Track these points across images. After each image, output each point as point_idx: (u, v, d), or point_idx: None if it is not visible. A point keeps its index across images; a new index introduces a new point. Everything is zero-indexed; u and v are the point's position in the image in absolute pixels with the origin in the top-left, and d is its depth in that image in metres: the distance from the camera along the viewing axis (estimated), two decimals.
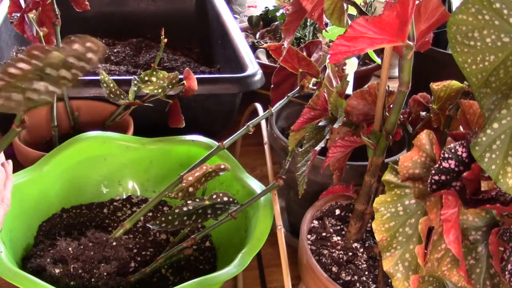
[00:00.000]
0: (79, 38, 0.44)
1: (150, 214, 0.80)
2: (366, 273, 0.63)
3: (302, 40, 1.30)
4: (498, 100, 0.39)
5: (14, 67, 0.42)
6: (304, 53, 0.81)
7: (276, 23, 1.42)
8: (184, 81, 0.89)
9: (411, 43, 0.46)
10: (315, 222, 0.70)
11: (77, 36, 0.44)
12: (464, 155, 0.43)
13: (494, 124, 0.38)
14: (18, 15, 0.86)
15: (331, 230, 0.68)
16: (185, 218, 0.64)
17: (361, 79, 1.16)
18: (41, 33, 0.87)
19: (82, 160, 0.78)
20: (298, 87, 0.81)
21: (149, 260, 0.70)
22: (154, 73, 0.87)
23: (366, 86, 0.63)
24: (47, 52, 0.42)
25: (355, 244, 0.66)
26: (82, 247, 0.65)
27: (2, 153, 0.63)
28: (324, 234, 0.68)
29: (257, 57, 1.22)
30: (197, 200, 0.65)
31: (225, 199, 0.66)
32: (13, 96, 0.42)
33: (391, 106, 0.63)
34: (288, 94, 0.80)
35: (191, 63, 1.27)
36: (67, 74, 0.43)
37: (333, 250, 0.66)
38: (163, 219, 0.64)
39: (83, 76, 0.45)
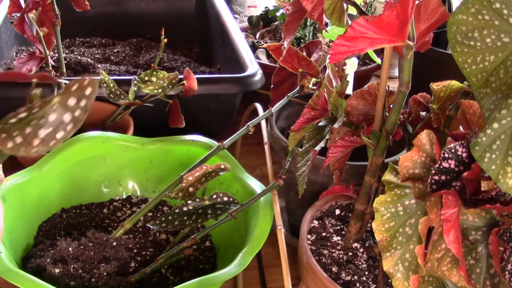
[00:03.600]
0: (77, 81, 0.44)
1: (150, 214, 0.80)
2: (366, 273, 0.63)
3: (302, 40, 1.30)
4: (498, 100, 0.39)
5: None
6: (304, 53, 0.81)
7: (276, 23, 1.42)
8: (184, 81, 0.89)
9: (411, 43, 0.46)
10: (315, 222, 0.70)
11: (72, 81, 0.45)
12: (464, 155, 0.43)
13: (494, 124, 0.38)
14: (18, 15, 0.86)
15: (331, 230, 0.68)
16: (185, 218, 0.64)
17: (361, 79, 1.16)
18: (41, 33, 0.87)
19: (82, 160, 0.78)
20: (298, 87, 0.81)
21: (149, 260, 0.70)
22: (154, 73, 0.87)
23: (366, 86, 0.63)
24: (45, 104, 0.43)
25: (355, 244, 0.66)
26: (82, 247, 0.65)
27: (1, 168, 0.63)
28: (324, 234, 0.68)
29: (257, 57, 1.22)
30: (197, 200, 0.65)
31: (225, 199, 0.66)
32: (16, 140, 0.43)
33: (391, 106, 0.63)
34: (288, 94, 0.80)
35: (191, 63, 1.27)
36: (68, 118, 0.44)
37: (333, 250, 0.66)
38: (163, 219, 0.64)
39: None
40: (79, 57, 1.17)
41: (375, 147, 0.57)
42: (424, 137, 0.47)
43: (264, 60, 1.23)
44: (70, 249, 0.65)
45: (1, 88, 0.88)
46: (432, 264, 0.46)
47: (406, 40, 0.44)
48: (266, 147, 0.78)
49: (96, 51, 1.30)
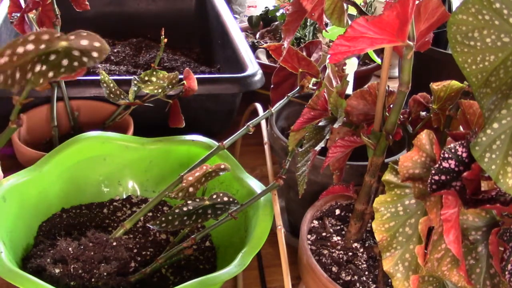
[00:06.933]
0: (89, 35, 0.45)
1: (150, 214, 0.80)
2: (366, 273, 0.63)
3: (302, 40, 1.30)
4: (498, 100, 0.39)
5: (22, 47, 0.43)
6: (304, 53, 0.81)
7: (276, 23, 1.42)
8: (184, 81, 0.89)
9: (411, 43, 0.46)
10: (315, 222, 0.70)
11: (88, 32, 0.45)
12: (464, 155, 0.43)
13: (494, 124, 0.38)
14: (18, 15, 0.86)
15: (331, 230, 0.68)
16: (185, 218, 0.64)
17: (361, 79, 1.16)
18: None
19: (82, 160, 0.78)
20: (298, 87, 0.81)
21: (149, 260, 0.70)
22: (154, 73, 0.87)
23: (366, 86, 0.63)
24: (55, 40, 0.44)
25: (355, 244, 0.66)
26: (82, 247, 0.65)
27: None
28: (324, 234, 0.68)
29: (257, 57, 1.22)
30: (197, 200, 0.65)
31: (225, 199, 0.66)
32: (13, 74, 0.43)
33: (391, 106, 0.63)
34: (288, 94, 0.80)
35: (191, 63, 1.27)
36: (68, 65, 0.44)
37: (333, 250, 0.66)
38: (163, 219, 0.64)
39: (81, 70, 0.46)
40: None
41: (375, 147, 0.57)
42: (424, 137, 0.47)
43: (264, 60, 1.23)
44: (70, 249, 0.65)
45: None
46: (432, 264, 0.46)
47: (406, 40, 0.44)
48: (266, 147, 0.78)
49: None
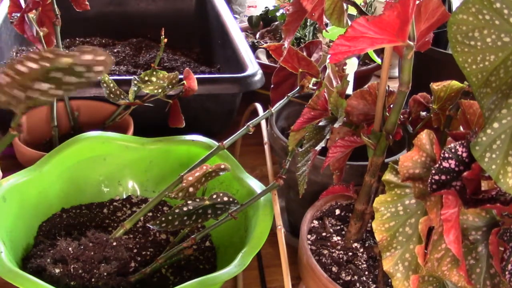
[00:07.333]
0: (91, 49, 0.45)
1: (150, 214, 0.80)
2: (366, 273, 0.63)
3: (302, 40, 1.30)
4: (498, 100, 0.39)
5: (22, 65, 0.43)
6: (304, 53, 0.81)
7: (276, 23, 1.42)
8: (184, 81, 0.89)
9: (411, 43, 0.46)
10: (315, 222, 0.70)
11: (89, 47, 0.45)
12: (464, 155, 0.43)
13: (494, 124, 0.38)
14: (18, 15, 0.86)
15: (331, 230, 0.68)
16: (185, 218, 0.64)
17: (361, 79, 1.16)
18: (41, 33, 0.87)
19: (82, 160, 0.78)
20: (298, 87, 0.81)
21: (149, 260, 0.70)
22: (154, 73, 0.87)
23: (366, 86, 0.63)
24: (57, 56, 0.43)
25: (355, 244, 0.66)
26: (82, 247, 0.65)
27: None
28: (324, 234, 0.68)
29: (257, 57, 1.22)
30: (197, 200, 0.65)
31: (225, 199, 0.66)
32: (15, 93, 0.43)
33: (391, 106, 0.63)
34: (288, 94, 0.80)
35: (191, 63, 1.27)
36: (72, 81, 0.44)
37: (333, 250, 0.66)
38: (163, 219, 0.64)
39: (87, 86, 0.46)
40: None
41: (375, 147, 0.57)
42: (424, 137, 0.47)
43: (264, 60, 1.23)
44: (70, 249, 0.65)
45: None
46: (432, 264, 0.46)
47: (407, 40, 0.44)
48: (266, 147, 0.78)
49: None
